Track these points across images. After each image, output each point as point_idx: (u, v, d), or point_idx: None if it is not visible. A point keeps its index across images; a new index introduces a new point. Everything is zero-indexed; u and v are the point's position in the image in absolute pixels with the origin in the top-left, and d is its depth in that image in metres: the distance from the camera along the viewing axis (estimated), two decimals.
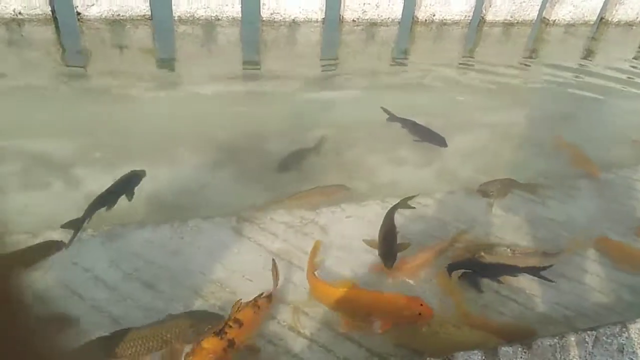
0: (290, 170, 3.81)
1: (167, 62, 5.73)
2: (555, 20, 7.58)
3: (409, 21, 7.10)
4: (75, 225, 2.95)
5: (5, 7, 5.58)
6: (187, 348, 2.25)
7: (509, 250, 3.09)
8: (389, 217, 3.06)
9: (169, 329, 2.30)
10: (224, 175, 3.77)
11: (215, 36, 6.19)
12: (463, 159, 4.19)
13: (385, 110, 4.55)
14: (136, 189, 3.33)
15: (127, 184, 3.36)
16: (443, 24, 7.16)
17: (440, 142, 4.14)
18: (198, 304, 2.60)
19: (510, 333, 2.40)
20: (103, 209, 3.12)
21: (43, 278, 2.65)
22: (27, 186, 3.57)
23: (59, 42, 5.68)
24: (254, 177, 3.77)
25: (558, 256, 3.09)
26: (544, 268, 2.86)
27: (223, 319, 2.36)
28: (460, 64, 6.41)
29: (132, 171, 3.46)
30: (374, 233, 3.17)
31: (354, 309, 2.52)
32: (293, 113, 4.71)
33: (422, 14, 7.04)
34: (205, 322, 2.37)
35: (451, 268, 2.88)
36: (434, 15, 7.07)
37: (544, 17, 7.69)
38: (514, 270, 2.87)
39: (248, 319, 2.33)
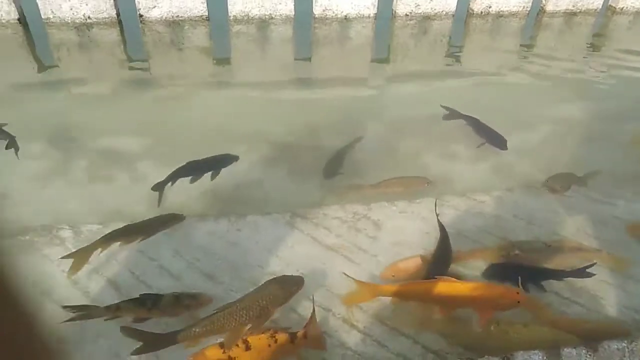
0: (335, 173, 3.74)
1: (222, 61, 5.90)
2: (623, 8, 7.17)
3: (463, 14, 6.94)
4: (161, 187, 3.39)
5: (76, 12, 5.93)
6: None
7: (544, 244, 2.98)
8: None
9: (263, 296, 2.39)
10: (279, 171, 3.84)
11: (269, 34, 6.30)
12: (522, 155, 4.05)
13: (446, 108, 4.46)
14: (214, 174, 3.55)
15: (217, 163, 3.59)
16: (499, 15, 6.95)
17: (501, 144, 3.96)
18: None
19: (605, 332, 2.33)
20: (187, 178, 3.47)
21: (112, 266, 2.82)
22: (95, 180, 3.79)
23: (123, 44, 5.98)
24: (307, 173, 3.82)
25: (597, 252, 2.95)
26: (585, 269, 2.70)
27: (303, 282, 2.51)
28: (518, 57, 6.20)
29: (227, 153, 3.67)
30: (427, 230, 3.16)
31: (453, 302, 2.47)
32: (346, 109, 4.73)
33: (477, 6, 6.86)
34: (291, 284, 2.50)
35: (488, 273, 2.78)
36: (490, 7, 6.87)
37: (610, 5, 7.29)
38: (555, 274, 2.73)
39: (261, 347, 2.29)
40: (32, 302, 0.56)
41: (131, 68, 5.67)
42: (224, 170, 3.82)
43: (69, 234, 3.07)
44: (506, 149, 3.92)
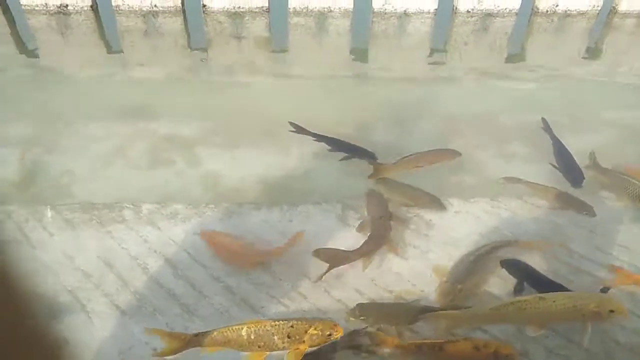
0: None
1: (280, 52, 5.98)
2: None
3: (527, 12, 6.69)
4: (300, 130, 3.93)
5: (143, 0, 6.17)
6: None
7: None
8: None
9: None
10: (331, 163, 3.86)
11: (327, 27, 6.33)
12: (584, 159, 3.87)
13: (544, 123, 4.07)
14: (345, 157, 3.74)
15: (355, 151, 3.76)
16: (567, 15, 6.65)
17: (575, 180, 3.49)
18: (304, 285, 2.73)
19: None
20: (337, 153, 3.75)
21: (170, 246, 2.94)
22: (155, 163, 3.95)
23: (186, 32, 6.17)
24: (359, 166, 3.82)
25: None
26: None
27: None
28: (584, 58, 5.92)
29: (368, 150, 3.76)
30: (481, 230, 3.10)
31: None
32: (401, 104, 4.69)
33: (543, 3, 6.60)
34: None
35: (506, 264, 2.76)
36: (557, 6, 6.60)
37: None
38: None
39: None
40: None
41: (192, 56, 5.86)
42: (274, 159, 3.90)
43: (130, 212, 3.23)
44: (580, 186, 3.45)
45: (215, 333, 2.15)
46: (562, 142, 3.83)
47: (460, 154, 3.67)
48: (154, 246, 2.94)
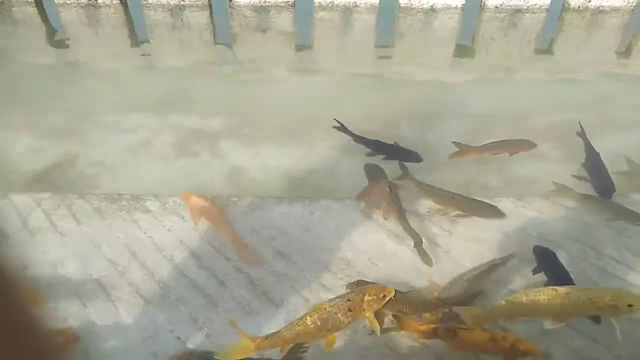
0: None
1: (305, 47, 5.98)
2: None
3: (558, 8, 6.53)
4: (343, 129, 3.80)
5: None
6: None
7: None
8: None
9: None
10: (354, 158, 3.85)
11: (352, 22, 6.30)
12: (614, 159, 3.77)
13: (581, 128, 3.84)
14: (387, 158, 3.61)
15: (399, 153, 3.64)
16: (599, 11, 6.47)
17: (605, 191, 3.28)
18: (327, 278, 2.74)
19: None
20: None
21: (195, 238, 2.98)
22: (182, 155, 4.01)
23: (212, 27, 6.22)
24: (383, 162, 3.80)
25: None
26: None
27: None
28: (616, 56, 5.76)
29: (414, 151, 3.63)
30: (506, 230, 3.05)
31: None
32: (426, 101, 4.64)
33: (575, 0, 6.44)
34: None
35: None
36: (589, 2, 6.42)
37: None
38: None
39: None
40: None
41: (218, 50, 5.91)
42: (298, 154, 3.91)
43: (155, 203, 3.28)
44: (609, 198, 3.26)
45: (284, 332, 2.13)
46: (596, 149, 3.63)
47: (536, 145, 3.64)
48: (179, 236, 2.98)
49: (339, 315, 2.10)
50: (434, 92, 4.84)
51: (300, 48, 5.94)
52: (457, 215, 3.14)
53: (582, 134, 3.83)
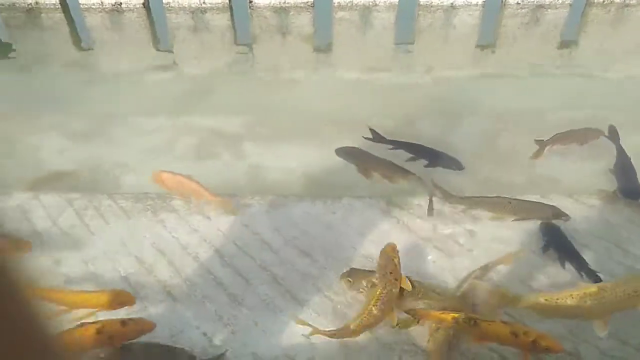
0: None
1: (324, 47, 6.01)
2: None
3: (582, 3, 6.43)
4: (378, 138, 3.79)
5: None
6: None
7: None
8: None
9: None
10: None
11: (372, 21, 6.30)
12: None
13: (612, 130, 3.80)
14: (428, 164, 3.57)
15: (439, 159, 3.56)
16: (625, 5, 6.34)
17: (632, 196, 3.22)
18: None
19: None
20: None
21: (219, 237, 3.03)
22: (203, 156, 4.08)
23: (232, 28, 6.30)
24: (401, 160, 3.80)
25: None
26: None
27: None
28: None
29: (454, 158, 3.56)
30: (529, 227, 3.03)
31: None
32: (446, 99, 4.63)
33: None
34: None
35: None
36: None
37: None
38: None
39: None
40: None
41: (238, 52, 5.98)
42: (318, 153, 3.93)
43: (180, 202, 3.34)
44: (636, 200, 3.23)
45: (352, 324, 2.28)
46: (626, 153, 3.60)
47: (603, 133, 3.66)
48: (204, 235, 3.04)
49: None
50: (455, 89, 4.82)
51: (319, 48, 5.97)
52: (516, 220, 3.05)
53: (613, 136, 3.74)
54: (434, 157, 3.58)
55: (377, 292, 2.29)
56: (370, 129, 3.85)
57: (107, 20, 6.41)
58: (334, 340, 2.36)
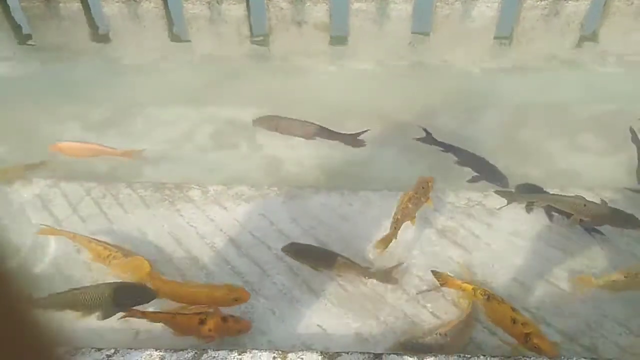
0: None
1: (340, 38, 5.96)
2: None
3: None
4: (430, 140, 3.65)
5: None
6: None
7: None
8: None
9: None
10: (391, 149, 3.85)
11: (389, 13, 6.23)
12: None
13: (633, 132, 3.66)
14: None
15: (485, 171, 3.36)
16: None
17: None
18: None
19: None
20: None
21: (235, 226, 3.05)
22: (220, 146, 4.10)
23: (248, 19, 6.27)
24: (420, 153, 3.79)
25: None
26: None
27: None
28: None
29: (502, 175, 3.34)
30: (547, 222, 3.00)
31: None
32: (464, 91, 4.59)
33: None
34: None
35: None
36: None
37: None
38: None
39: None
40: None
41: (254, 42, 5.96)
42: (334, 145, 3.91)
43: (197, 192, 3.37)
44: None
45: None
46: None
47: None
48: (220, 225, 3.06)
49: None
50: (473, 82, 4.78)
51: (335, 39, 5.93)
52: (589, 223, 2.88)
53: (635, 139, 3.62)
54: (482, 168, 3.36)
55: (411, 193, 2.75)
56: (423, 129, 3.74)
57: (125, 10, 6.43)
58: (350, 329, 2.37)
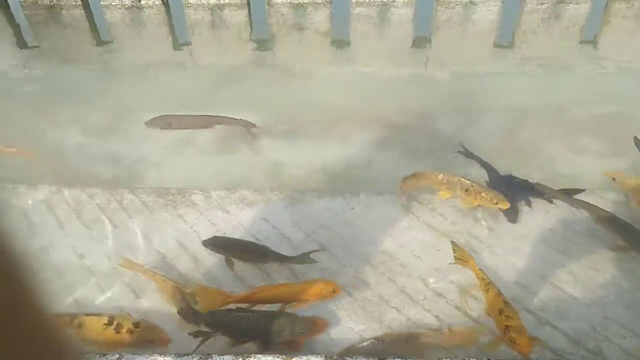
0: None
1: (341, 43, 5.99)
2: None
3: None
4: (473, 155, 3.59)
5: None
6: None
7: None
8: None
9: None
10: (392, 152, 3.86)
11: (389, 17, 6.26)
12: None
13: (637, 141, 3.60)
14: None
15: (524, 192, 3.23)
16: None
17: None
18: (368, 271, 2.76)
19: None
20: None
21: (239, 230, 3.05)
22: (222, 151, 4.11)
23: (250, 25, 6.31)
24: (421, 155, 3.79)
25: None
26: None
27: None
28: None
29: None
30: (551, 226, 3.00)
31: None
32: (464, 94, 4.59)
33: None
34: None
35: None
36: None
37: None
38: None
39: None
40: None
41: (255, 48, 5.99)
42: (336, 149, 3.92)
43: (200, 197, 3.37)
44: None
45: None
46: None
47: None
48: (223, 229, 3.06)
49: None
50: (474, 86, 4.78)
51: (336, 44, 5.96)
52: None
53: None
54: (512, 193, 3.08)
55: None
56: (462, 145, 3.68)
57: (127, 17, 6.47)
58: (354, 333, 2.36)
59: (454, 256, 2.64)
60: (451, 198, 3.05)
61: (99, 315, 2.38)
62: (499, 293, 2.35)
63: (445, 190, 3.02)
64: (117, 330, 2.29)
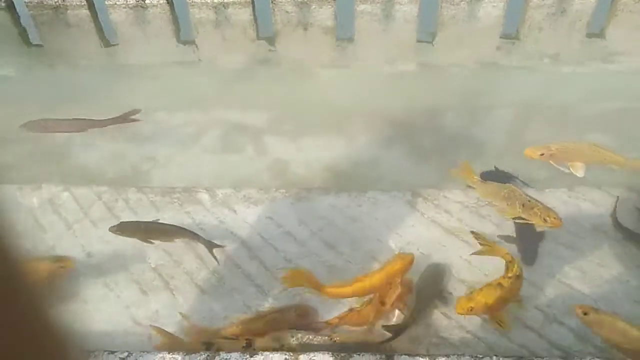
0: None
1: (346, 41, 5.98)
2: None
3: None
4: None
5: None
6: None
7: None
8: None
9: None
10: (399, 150, 3.86)
11: (394, 14, 6.24)
12: None
13: None
14: None
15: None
16: None
17: None
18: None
19: None
20: None
21: (244, 228, 3.06)
22: (226, 150, 4.12)
23: (254, 23, 6.31)
24: (428, 153, 3.78)
25: None
26: None
27: None
28: None
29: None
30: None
31: None
32: (470, 92, 4.57)
33: None
34: None
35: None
36: None
37: None
38: None
39: None
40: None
41: (260, 46, 5.99)
42: (342, 147, 3.92)
43: (206, 196, 3.39)
44: None
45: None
46: None
47: None
48: (230, 227, 3.08)
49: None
50: (479, 83, 4.77)
51: (341, 41, 5.95)
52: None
53: None
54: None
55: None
56: (495, 167, 3.53)
57: (132, 16, 6.49)
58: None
59: (479, 243, 2.60)
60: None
61: None
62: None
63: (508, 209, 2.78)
64: None
